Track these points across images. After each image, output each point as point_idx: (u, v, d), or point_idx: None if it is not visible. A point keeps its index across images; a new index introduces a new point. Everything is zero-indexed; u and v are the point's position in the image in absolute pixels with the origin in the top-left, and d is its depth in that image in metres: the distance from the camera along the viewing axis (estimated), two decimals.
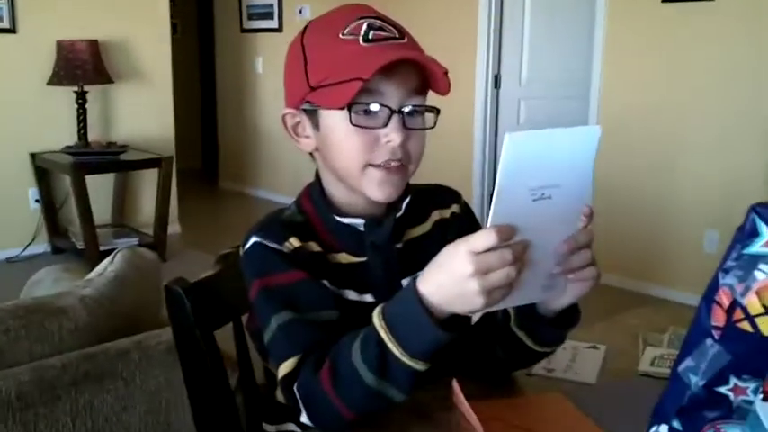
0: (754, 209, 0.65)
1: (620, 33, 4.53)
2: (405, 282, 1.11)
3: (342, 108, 1.04)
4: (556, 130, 0.85)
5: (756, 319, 0.65)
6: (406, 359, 0.93)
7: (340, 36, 1.06)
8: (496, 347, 1.16)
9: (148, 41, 5.44)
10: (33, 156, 4.96)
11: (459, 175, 5.02)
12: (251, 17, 6.97)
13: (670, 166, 4.37)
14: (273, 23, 6.70)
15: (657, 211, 4.47)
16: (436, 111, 1.11)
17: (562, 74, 4.98)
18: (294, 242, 1.08)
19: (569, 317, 1.07)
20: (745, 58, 4.00)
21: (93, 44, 4.87)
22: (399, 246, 1.16)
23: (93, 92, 4.98)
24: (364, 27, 1.06)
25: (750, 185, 4.00)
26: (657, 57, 4.37)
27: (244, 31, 7.08)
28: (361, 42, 1.05)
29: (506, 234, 0.86)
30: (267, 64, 6.86)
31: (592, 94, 4.67)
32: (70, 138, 4.94)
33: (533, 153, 0.84)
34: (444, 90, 1.07)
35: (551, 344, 1.13)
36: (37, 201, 5.03)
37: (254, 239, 1.09)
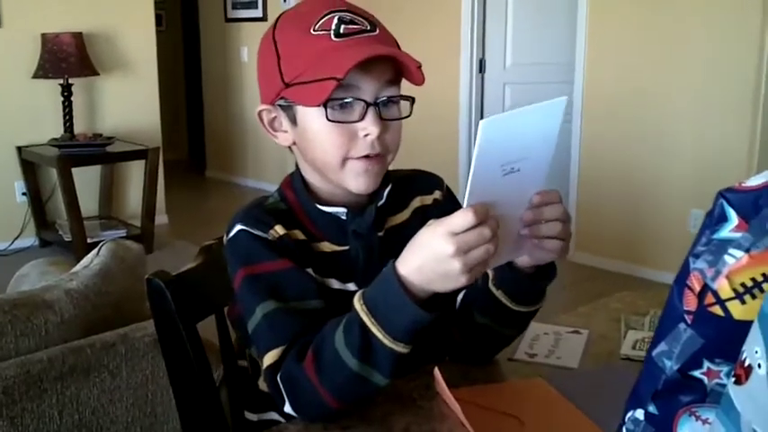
0: (722, 194, 0.66)
1: (603, 15, 4.53)
2: None
3: (318, 105, 1.05)
4: (525, 109, 0.89)
5: (727, 303, 0.65)
6: (388, 341, 0.94)
7: (311, 31, 1.06)
8: (475, 313, 1.16)
9: (133, 33, 5.41)
10: (19, 149, 4.93)
11: (444, 159, 5.02)
12: (235, 6, 6.94)
13: (654, 147, 4.39)
14: (258, 12, 6.67)
15: (641, 192, 4.48)
16: (411, 99, 1.11)
17: (547, 57, 4.98)
18: (279, 230, 1.08)
19: (545, 270, 1.08)
20: (729, 37, 4.02)
21: (78, 36, 4.84)
22: (381, 234, 1.17)
23: (78, 84, 4.95)
24: (335, 21, 1.05)
25: (733, 165, 4.02)
26: (641, 38, 4.38)
27: (228, 20, 7.04)
28: (333, 38, 1.05)
29: (482, 213, 0.88)
30: (252, 53, 6.82)
31: (576, 78, 4.67)
32: (56, 130, 4.91)
33: (505, 133, 0.88)
34: (419, 82, 1.07)
35: (530, 302, 1.13)
36: (24, 194, 5.02)
37: (238, 227, 1.09)
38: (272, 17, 6.46)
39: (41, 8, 4.92)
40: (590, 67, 4.61)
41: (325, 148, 1.08)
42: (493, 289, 1.12)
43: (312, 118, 1.08)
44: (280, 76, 1.08)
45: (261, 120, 1.16)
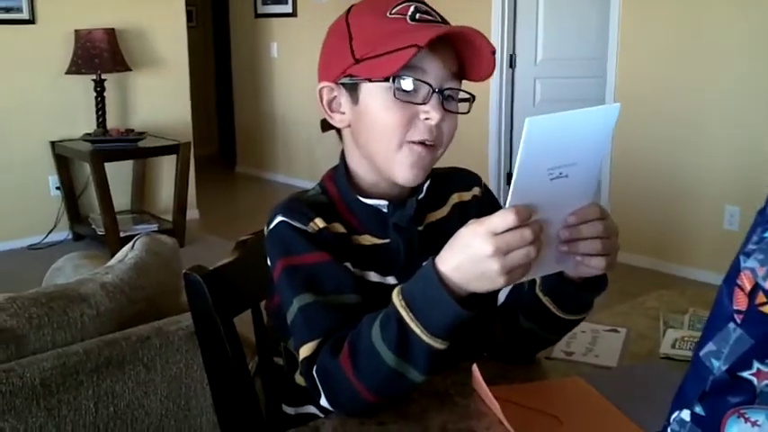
0: None
1: (636, 9, 4.48)
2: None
3: (387, 78, 1.05)
4: (576, 112, 0.86)
5: None
6: (426, 337, 0.93)
7: (387, 15, 1.08)
8: (520, 317, 1.15)
9: (165, 29, 5.45)
10: (53, 144, 4.99)
11: (474, 155, 5.00)
12: (265, 2, 6.96)
13: (687, 142, 4.33)
14: (288, 8, 6.68)
15: (675, 189, 4.43)
16: (472, 97, 1.12)
17: (578, 52, 4.94)
18: (319, 223, 1.09)
19: (594, 282, 1.06)
20: (765, 29, 3.95)
21: (111, 33, 4.89)
22: (420, 228, 1.17)
23: (110, 80, 5.00)
24: (411, 8, 1.08)
25: None
26: (674, 33, 4.32)
27: (258, 16, 7.07)
28: (408, 21, 1.07)
29: (525, 214, 0.87)
30: (282, 49, 6.85)
31: (608, 72, 4.63)
32: (89, 126, 4.97)
33: (553, 135, 0.85)
34: (487, 72, 1.09)
35: (577, 311, 1.12)
36: (57, 188, 5.07)
37: (279, 219, 1.09)
38: (301, 13, 6.49)
39: (74, 5, 4.98)
40: (622, 61, 4.56)
41: (386, 126, 1.08)
42: (540, 294, 1.11)
43: (375, 95, 1.08)
44: (350, 53, 1.09)
45: (321, 98, 1.15)
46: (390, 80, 1.05)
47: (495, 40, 5.22)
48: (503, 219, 0.87)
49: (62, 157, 5.01)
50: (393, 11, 1.08)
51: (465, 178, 1.27)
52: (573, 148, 0.88)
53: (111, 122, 5.06)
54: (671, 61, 4.36)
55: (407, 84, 1.06)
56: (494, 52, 1.07)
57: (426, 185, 1.17)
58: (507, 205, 0.88)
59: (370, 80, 1.08)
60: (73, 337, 1.57)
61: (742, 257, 0.67)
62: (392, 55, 1.04)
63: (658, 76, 4.43)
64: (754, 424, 0.68)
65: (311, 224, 1.08)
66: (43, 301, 1.56)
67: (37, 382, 1.45)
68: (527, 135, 0.83)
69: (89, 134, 4.89)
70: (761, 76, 3.99)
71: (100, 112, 4.91)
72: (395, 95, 1.06)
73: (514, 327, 1.17)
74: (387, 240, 1.14)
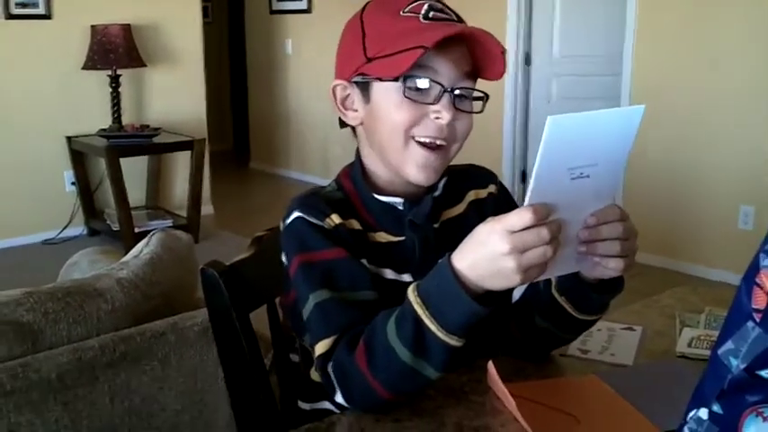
0: None
1: (653, 5, 4.45)
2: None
3: (397, 78, 1.05)
4: (599, 113, 0.85)
5: None
6: (441, 334, 0.93)
7: (401, 13, 1.08)
8: (536, 316, 1.15)
9: (180, 25, 5.47)
10: (69, 139, 5.02)
11: (489, 152, 4.99)
12: None
13: (702, 141, 4.30)
14: (302, 4, 6.68)
15: (691, 188, 4.41)
16: (486, 96, 1.11)
17: (594, 49, 4.91)
18: (335, 219, 1.09)
19: (611, 283, 1.05)
20: None
21: (126, 28, 4.90)
22: (436, 225, 1.17)
23: (126, 75, 5.02)
24: (425, 7, 1.07)
25: None
26: (691, 31, 4.29)
27: (273, 12, 7.07)
28: (421, 20, 1.07)
29: (542, 213, 0.87)
30: (296, 45, 6.86)
31: (624, 70, 4.60)
32: (104, 121, 4.99)
33: (575, 135, 0.84)
34: (498, 73, 1.08)
35: (593, 312, 1.11)
36: (73, 183, 5.10)
37: (295, 214, 1.09)
38: (316, 9, 6.49)
39: (90, 0, 5.00)
40: (638, 58, 4.54)
41: (394, 122, 1.08)
42: (556, 294, 1.10)
43: (387, 94, 1.08)
44: (363, 51, 1.09)
45: (334, 95, 1.16)
46: (400, 80, 1.06)
47: (510, 37, 5.21)
48: (520, 217, 0.87)
49: (78, 153, 5.03)
50: (407, 9, 1.08)
51: (481, 176, 1.27)
52: (595, 149, 0.87)
53: (127, 118, 5.08)
54: (687, 59, 4.33)
55: (418, 83, 1.06)
56: (504, 52, 1.07)
57: (443, 183, 1.17)
58: (526, 203, 0.87)
59: (380, 79, 1.08)
60: (89, 332, 1.58)
61: (762, 256, 0.67)
62: (401, 55, 1.04)
63: (674, 73, 4.40)
64: None
65: (327, 220, 1.08)
66: (59, 296, 1.57)
67: (53, 376, 1.46)
68: (548, 134, 0.82)
69: (104, 130, 4.92)
70: None
71: (115, 108, 4.93)
72: (405, 95, 1.06)
73: (529, 325, 1.16)
74: (402, 238, 1.14)
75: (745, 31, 4.05)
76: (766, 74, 4.00)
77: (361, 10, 1.14)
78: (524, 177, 5.40)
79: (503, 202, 1.24)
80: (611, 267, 0.98)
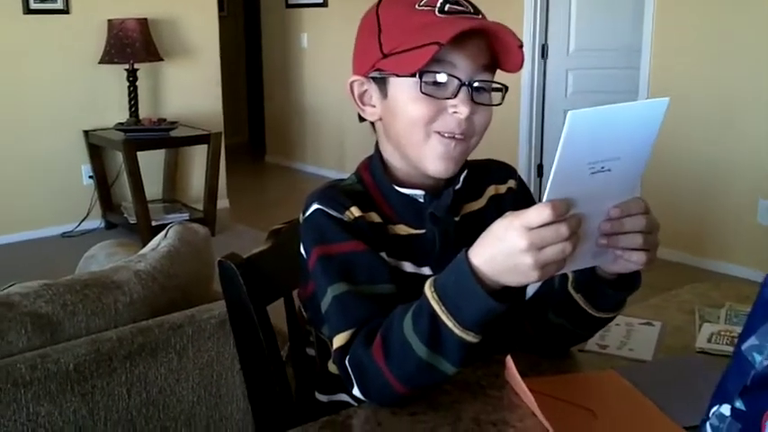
0: None
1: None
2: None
3: (413, 74, 1.05)
4: (621, 106, 0.84)
5: None
6: (458, 330, 0.93)
7: (416, 7, 1.07)
8: (550, 313, 1.14)
9: (196, 19, 5.48)
10: (86, 133, 5.04)
11: (504, 146, 4.97)
12: None
13: (721, 135, 4.27)
14: None
15: (709, 183, 4.37)
16: (505, 88, 1.10)
17: (612, 43, 4.87)
18: (355, 211, 1.08)
19: (629, 280, 1.05)
20: None
21: (143, 22, 4.92)
22: (457, 219, 1.16)
23: (143, 69, 5.04)
24: (440, 0, 1.06)
25: None
26: (709, 25, 4.25)
27: (289, 6, 7.07)
28: (437, 13, 1.06)
29: (561, 209, 0.86)
30: (312, 39, 6.85)
31: (642, 64, 4.56)
32: (122, 115, 5.01)
33: (596, 129, 0.83)
34: (516, 65, 1.07)
35: (609, 309, 1.10)
36: (90, 177, 5.13)
37: (315, 206, 1.09)
38: (332, 3, 6.48)
39: None
40: (656, 52, 4.50)
41: (413, 120, 1.08)
42: (572, 292, 1.09)
43: (404, 89, 1.08)
44: (379, 47, 1.09)
45: (351, 91, 1.15)
46: (417, 75, 1.05)
47: (527, 29, 5.18)
48: (538, 213, 0.86)
49: (95, 146, 5.06)
50: (423, 2, 1.07)
51: (500, 170, 1.26)
52: (617, 143, 0.86)
53: (144, 112, 5.10)
54: (705, 53, 4.29)
55: (435, 78, 1.05)
56: (521, 46, 1.06)
57: (463, 176, 1.16)
58: (545, 199, 0.86)
59: (397, 75, 1.08)
60: (107, 324, 1.59)
61: None
62: (416, 51, 1.03)
63: (692, 67, 4.36)
64: None
65: (347, 213, 1.08)
66: (77, 288, 1.58)
67: (71, 367, 1.47)
68: (569, 128, 0.81)
69: (122, 123, 4.94)
70: None
71: (132, 102, 4.96)
72: (422, 91, 1.06)
73: (543, 321, 1.16)
74: (422, 230, 1.14)
75: (766, 25, 4.01)
76: None
77: (376, 4, 1.13)
78: (540, 171, 5.37)
79: (521, 198, 1.24)
80: (634, 261, 0.97)
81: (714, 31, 4.24)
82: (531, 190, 1.35)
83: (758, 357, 0.68)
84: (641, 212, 0.95)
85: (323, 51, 6.63)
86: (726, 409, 0.71)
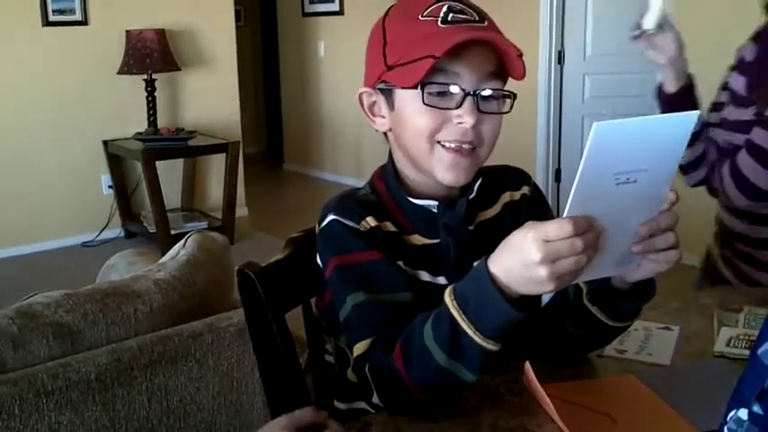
0: None
1: (689, 4, 4.39)
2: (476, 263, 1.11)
3: (414, 86, 1.05)
4: (648, 119, 0.83)
5: None
6: (478, 338, 0.93)
7: (419, 17, 1.07)
8: (567, 324, 1.14)
9: (213, 29, 5.52)
10: (106, 143, 5.09)
11: (522, 151, 4.95)
12: (312, 1, 6.99)
13: None
14: (335, 6, 6.71)
15: None
16: (513, 96, 1.10)
17: (629, 47, 4.83)
18: (371, 221, 1.09)
19: (645, 289, 1.05)
20: None
21: (161, 33, 4.97)
22: (471, 228, 1.16)
23: (161, 79, 5.08)
24: (444, 9, 1.06)
25: None
26: (728, 30, 4.22)
27: (305, 14, 7.11)
28: (439, 24, 1.05)
29: (582, 227, 0.86)
30: (329, 47, 6.88)
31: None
32: (140, 125, 5.05)
33: (621, 141, 0.83)
34: (519, 73, 1.07)
35: (626, 318, 1.11)
36: (110, 187, 5.17)
37: (331, 217, 1.10)
38: (348, 11, 6.51)
39: (126, 6, 5.07)
40: None
41: (418, 129, 1.08)
42: (588, 304, 1.09)
43: (409, 101, 1.08)
44: (383, 59, 1.09)
45: (361, 103, 1.16)
46: (419, 87, 1.05)
47: (543, 35, 5.18)
48: (558, 228, 0.86)
49: (114, 156, 5.10)
50: (425, 12, 1.07)
51: (515, 177, 1.26)
52: (643, 155, 0.85)
53: (162, 122, 5.14)
54: (719, 58, 4.25)
55: (438, 89, 1.05)
56: (520, 55, 1.05)
57: (477, 185, 1.16)
58: (567, 208, 0.86)
59: (400, 87, 1.08)
60: (127, 333, 1.60)
61: None
62: (415, 64, 1.03)
63: (707, 70, 4.32)
64: None
65: (363, 222, 1.09)
66: (98, 297, 1.60)
67: (92, 376, 1.48)
68: (593, 140, 0.80)
69: (140, 133, 4.98)
70: None
71: (151, 112, 5.00)
72: (425, 102, 1.06)
73: (560, 331, 1.16)
74: (437, 240, 1.14)
75: None
76: None
77: (384, 15, 1.14)
78: (558, 176, 5.35)
79: (536, 204, 1.24)
80: (666, 260, 0.97)
81: (731, 35, 4.21)
82: (549, 195, 1.36)
83: None
84: (672, 206, 0.95)
85: (340, 59, 6.65)
86: (743, 414, 0.71)
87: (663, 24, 1.48)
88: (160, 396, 1.58)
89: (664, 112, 1.63)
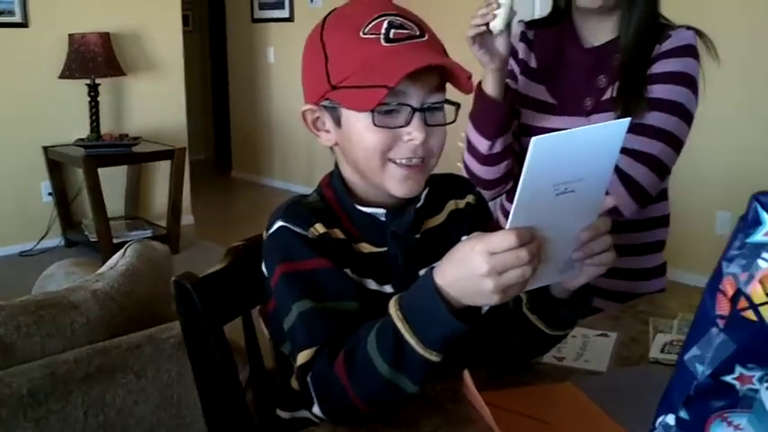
0: (757, 198, 0.64)
1: None
2: (422, 273, 1.11)
3: (366, 111, 1.05)
4: (583, 129, 0.86)
5: (760, 308, 0.64)
6: (421, 350, 0.94)
7: (361, 35, 1.06)
8: (508, 334, 1.16)
9: (160, 33, 5.45)
10: (46, 149, 4.97)
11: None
12: (262, 7, 6.96)
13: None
14: (284, 13, 6.68)
15: (669, 195, 4.42)
16: (457, 105, 1.11)
17: None
18: (320, 228, 1.08)
19: (583, 297, 1.08)
20: (760, 39, 3.96)
21: (105, 37, 4.88)
22: (417, 236, 1.17)
23: (105, 84, 4.99)
24: (385, 25, 1.06)
25: (760, 166, 3.96)
26: None
27: (255, 21, 7.07)
28: (382, 42, 1.05)
29: (526, 238, 0.88)
30: (279, 54, 6.85)
31: None
32: (82, 131, 4.95)
33: (559, 153, 0.85)
34: (468, 91, 1.09)
35: (565, 327, 1.13)
36: (50, 194, 5.05)
37: (279, 223, 1.09)
38: (298, 18, 6.49)
39: (68, 8, 4.96)
40: None
41: (368, 149, 1.08)
42: (528, 313, 1.11)
43: (356, 120, 1.08)
44: (326, 78, 1.08)
45: (305, 120, 1.15)
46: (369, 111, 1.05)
47: None
48: (503, 240, 0.87)
49: (55, 162, 4.99)
50: (366, 29, 1.06)
51: (459, 185, 1.27)
52: (580, 164, 0.88)
53: (105, 127, 5.05)
54: None
55: (386, 108, 1.05)
56: (470, 77, 1.07)
57: (425, 194, 1.16)
58: (510, 220, 0.88)
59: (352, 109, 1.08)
60: (63, 346, 1.56)
61: (724, 263, 0.68)
62: (366, 91, 1.03)
63: None
64: (736, 428, 0.68)
65: (312, 229, 1.08)
66: (33, 309, 1.55)
67: (25, 391, 1.44)
68: (532, 154, 0.82)
69: (82, 139, 4.88)
70: (753, 82, 4.00)
71: (93, 117, 4.90)
72: (375, 123, 1.05)
73: (499, 339, 1.17)
74: (384, 248, 1.14)
75: (731, 40, 4.07)
76: (743, 82, 4.03)
77: (320, 26, 1.12)
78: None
79: (480, 214, 1.25)
80: (603, 262, 1.00)
81: None
82: (498, 205, 1.36)
83: (700, 367, 0.69)
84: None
85: (290, 65, 6.61)
86: (671, 419, 0.72)
87: (510, 25, 1.48)
88: (97, 410, 1.55)
89: (486, 114, 1.62)
